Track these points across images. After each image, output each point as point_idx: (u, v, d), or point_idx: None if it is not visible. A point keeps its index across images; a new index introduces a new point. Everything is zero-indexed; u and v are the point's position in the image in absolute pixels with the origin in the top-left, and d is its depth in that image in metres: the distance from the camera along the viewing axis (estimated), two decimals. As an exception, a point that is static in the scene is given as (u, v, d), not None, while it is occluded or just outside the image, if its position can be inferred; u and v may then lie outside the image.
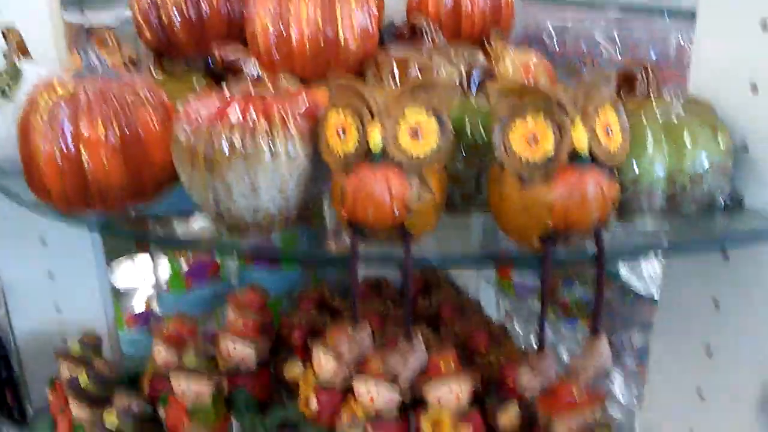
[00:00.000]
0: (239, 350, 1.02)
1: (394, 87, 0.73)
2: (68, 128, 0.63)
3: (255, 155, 0.60)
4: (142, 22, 0.83)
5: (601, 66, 0.94)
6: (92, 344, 0.98)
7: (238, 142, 0.59)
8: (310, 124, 0.63)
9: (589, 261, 0.60)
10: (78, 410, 0.89)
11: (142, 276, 1.28)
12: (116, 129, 0.64)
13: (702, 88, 0.73)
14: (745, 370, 0.72)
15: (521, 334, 1.18)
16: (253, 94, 0.63)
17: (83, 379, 0.90)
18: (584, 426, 0.83)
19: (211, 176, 0.60)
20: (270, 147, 0.60)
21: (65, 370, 0.96)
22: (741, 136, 0.69)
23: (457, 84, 0.69)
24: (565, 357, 1.08)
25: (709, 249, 0.69)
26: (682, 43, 0.89)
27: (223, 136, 0.59)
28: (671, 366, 0.80)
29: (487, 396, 1.00)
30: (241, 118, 0.60)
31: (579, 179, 0.56)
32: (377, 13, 0.83)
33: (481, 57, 0.82)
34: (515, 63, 0.90)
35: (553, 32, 1.00)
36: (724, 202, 0.69)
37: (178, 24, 0.81)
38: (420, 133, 0.58)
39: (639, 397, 0.99)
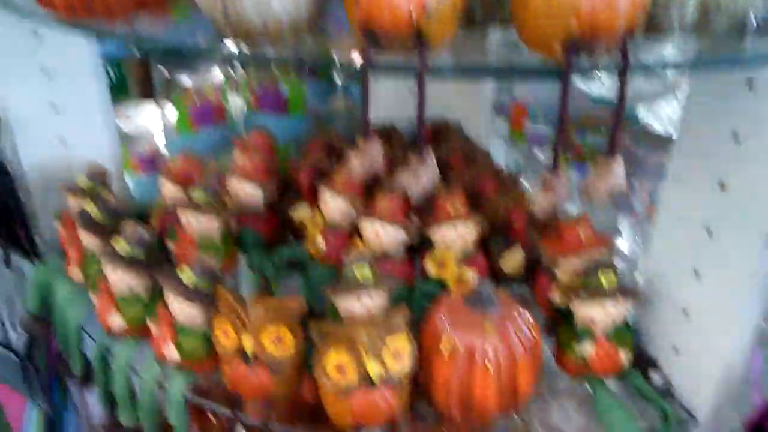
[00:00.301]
0: (247, 191, 1.02)
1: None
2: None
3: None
4: None
5: None
6: (99, 177, 0.97)
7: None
8: None
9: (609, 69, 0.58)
10: (88, 240, 0.90)
11: (147, 120, 1.26)
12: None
13: None
14: (758, 205, 0.71)
15: (531, 186, 1.17)
16: None
17: (92, 209, 0.90)
18: (588, 265, 0.84)
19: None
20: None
21: (73, 203, 0.96)
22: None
23: None
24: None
25: (735, 69, 0.66)
26: None
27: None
28: (682, 202, 0.80)
29: (494, 241, 1.01)
30: None
31: (609, -20, 0.53)
32: None
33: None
34: None
35: None
36: (757, 23, 0.65)
37: None
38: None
39: (644, 246, 1.00)
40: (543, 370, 0.83)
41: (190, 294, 0.79)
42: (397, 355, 0.75)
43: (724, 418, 0.79)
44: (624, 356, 0.83)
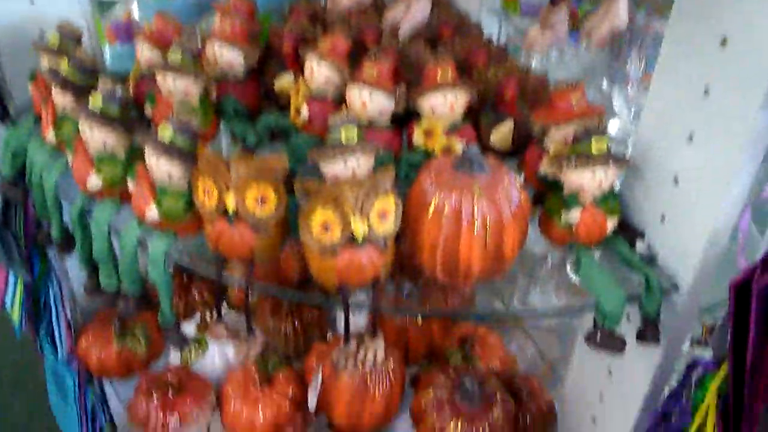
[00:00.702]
0: (227, 55, 0.98)
1: None
2: None
3: None
4: None
5: None
6: (72, 35, 0.93)
7: None
8: None
9: None
10: (61, 98, 0.87)
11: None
12: None
13: None
14: (758, 61, 0.69)
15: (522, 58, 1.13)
16: None
17: (65, 66, 0.86)
18: (579, 132, 0.82)
19: None
20: None
21: (45, 62, 0.91)
22: None
23: None
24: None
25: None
26: None
27: None
28: (680, 61, 0.77)
29: (483, 114, 0.98)
30: None
31: None
32: None
33: None
34: None
35: None
36: None
37: None
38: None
39: (637, 115, 0.97)
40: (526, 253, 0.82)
41: (170, 151, 0.76)
42: (383, 214, 0.74)
43: (707, 285, 0.80)
44: (610, 224, 0.82)
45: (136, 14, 1.17)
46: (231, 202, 0.75)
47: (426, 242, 0.76)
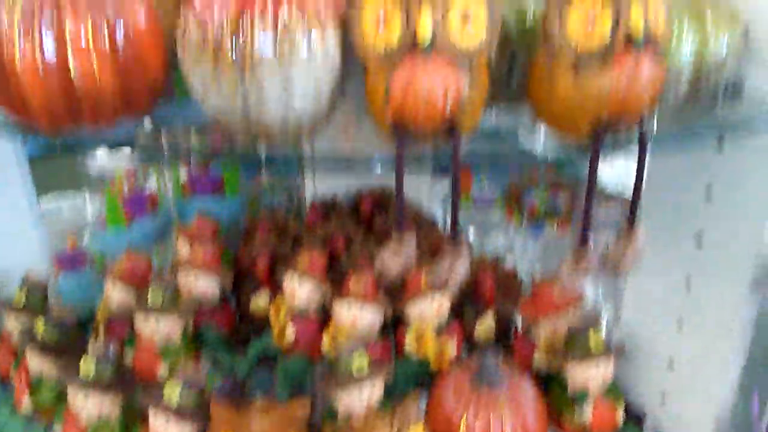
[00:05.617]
0: (202, 284, 0.95)
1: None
2: (50, 32, 0.53)
3: (291, 52, 0.52)
4: None
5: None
6: (39, 290, 0.87)
7: (271, 38, 0.52)
8: (339, 12, 0.56)
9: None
10: (40, 364, 0.79)
11: (72, 213, 1.15)
12: (105, 29, 0.54)
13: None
14: (736, 256, 0.75)
15: (480, 245, 1.18)
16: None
17: (40, 327, 0.80)
18: (573, 326, 0.84)
19: (242, 78, 0.52)
20: (307, 42, 0.53)
21: (12, 322, 0.84)
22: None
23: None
24: (538, 265, 1.09)
25: (706, 142, 0.69)
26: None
27: (256, 29, 0.51)
28: (658, 255, 0.83)
29: (465, 307, 1.00)
30: (272, 8, 0.52)
31: (636, 63, 0.54)
32: None
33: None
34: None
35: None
36: (725, 87, 0.70)
37: None
38: (470, 20, 0.54)
39: (605, 294, 1.03)
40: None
41: (180, 412, 0.71)
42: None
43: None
44: (620, 413, 0.84)
45: (84, 241, 1.12)
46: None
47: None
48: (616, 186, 1.02)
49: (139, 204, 1.05)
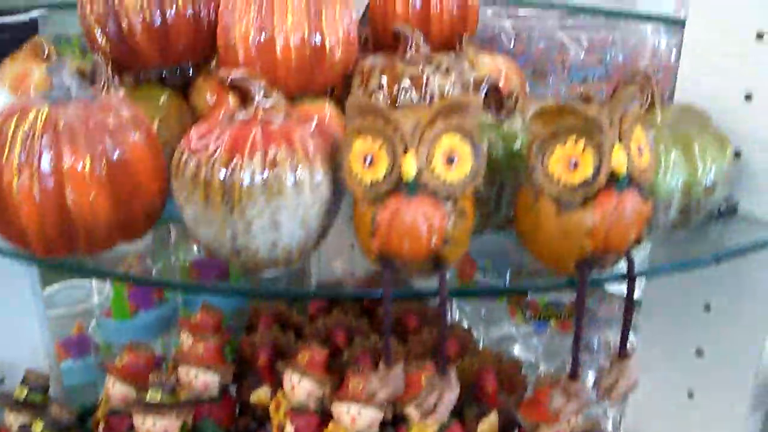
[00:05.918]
0: (202, 378, 0.95)
1: (399, 102, 0.69)
2: (48, 160, 0.55)
3: (278, 187, 0.54)
4: (96, 27, 0.73)
5: (572, 69, 0.94)
6: (40, 386, 0.88)
7: (259, 174, 0.54)
8: (327, 148, 0.58)
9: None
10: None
11: (76, 301, 1.17)
12: (102, 158, 0.57)
13: (690, 95, 0.74)
14: (737, 371, 0.75)
15: (483, 337, 1.17)
16: (260, 117, 0.57)
17: (38, 429, 0.81)
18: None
19: (230, 212, 0.54)
20: (294, 177, 0.55)
21: (12, 420, 0.85)
22: (734, 144, 0.70)
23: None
24: (542, 366, 1.08)
25: (706, 263, 0.69)
26: (656, 46, 0.90)
27: (245, 167, 0.53)
28: (660, 367, 0.82)
29: (466, 404, 0.99)
30: (261, 146, 0.54)
31: (618, 202, 0.55)
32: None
33: (466, 65, 0.80)
34: (489, 68, 0.89)
35: (512, 32, 0.98)
36: (719, 209, 0.70)
37: (139, 30, 0.73)
38: (455, 159, 0.55)
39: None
40: None
41: None
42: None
43: None
44: None
45: (90, 329, 1.13)
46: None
47: None
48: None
49: (145, 295, 1.06)
